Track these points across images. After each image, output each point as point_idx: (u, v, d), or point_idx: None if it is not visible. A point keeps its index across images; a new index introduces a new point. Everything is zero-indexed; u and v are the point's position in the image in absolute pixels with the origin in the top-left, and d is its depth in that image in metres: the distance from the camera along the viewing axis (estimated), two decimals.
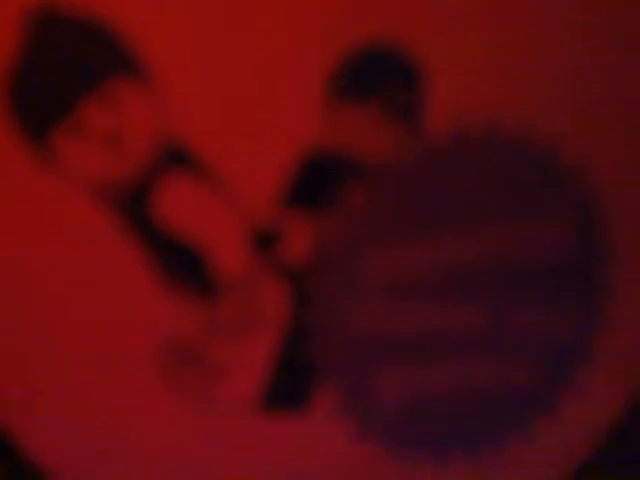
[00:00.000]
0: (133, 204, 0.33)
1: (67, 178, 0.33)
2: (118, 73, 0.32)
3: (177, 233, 0.34)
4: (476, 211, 0.34)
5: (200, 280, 0.34)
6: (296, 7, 0.31)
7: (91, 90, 0.32)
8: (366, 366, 0.35)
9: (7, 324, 0.34)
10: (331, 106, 0.33)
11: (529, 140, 0.34)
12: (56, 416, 0.35)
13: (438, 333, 0.35)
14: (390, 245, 0.34)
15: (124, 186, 0.33)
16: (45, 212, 0.33)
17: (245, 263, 0.34)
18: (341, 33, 0.32)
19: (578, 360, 0.36)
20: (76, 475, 0.36)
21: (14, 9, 0.31)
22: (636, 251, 0.35)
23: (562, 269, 0.35)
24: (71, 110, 0.32)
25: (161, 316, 0.34)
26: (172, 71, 0.32)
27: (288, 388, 0.35)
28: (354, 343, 0.35)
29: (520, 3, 0.32)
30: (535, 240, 0.35)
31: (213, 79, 0.32)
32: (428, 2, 0.32)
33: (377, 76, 0.33)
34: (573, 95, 0.33)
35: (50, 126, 0.32)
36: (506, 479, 0.37)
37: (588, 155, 0.34)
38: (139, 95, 0.32)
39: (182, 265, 0.34)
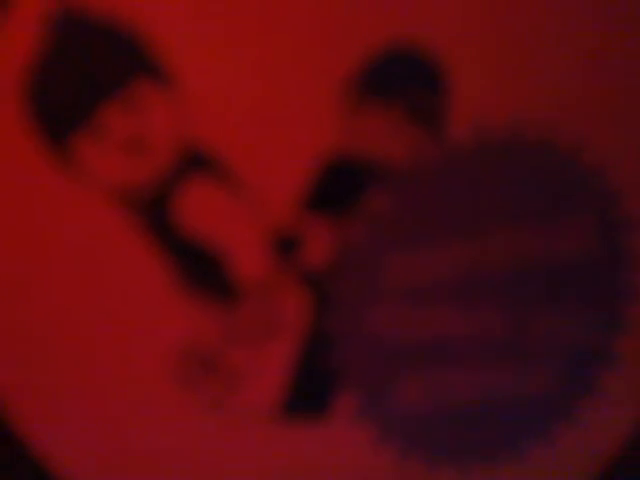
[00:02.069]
0: (153, 208, 0.33)
1: (88, 182, 0.33)
2: (140, 77, 0.32)
3: (197, 238, 0.33)
4: (497, 215, 0.34)
5: (220, 285, 0.34)
6: (317, 9, 0.31)
7: (113, 94, 0.32)
8: (386, 372, 0.35)
9: (24, 324, 0.34)
10: (353, 109, 0.32)
11: (551, 143, 0.33)
12: (69, 420, 0.34)
13: (458, 338, 0.35)
14: (411, 250, 0.34)
15: (145, 190, 0.33)
16: (65, 217, 0.33)
17: (265, 268, 0.34)
18: (362, 35, 0.32)
19: (599, 365, 0.35)
20: (87, 472, 0.35)
21: (36, 11, 0.31)
22: None
23: (583, 273, 0.35)
24: (92, 114, 0.32)
25: (180, 321, 0.34)
26: (194, 75, 0.32)
27: (308, 394, 0.35)
28: (375, 349, 0.34)
29: (544, 4, 0.32)
30: (556, 243, 0.34)
31: (235, 83, 0.32)
32: (449, 3, 0.31)
33: (399, 79, 0.32)
34: (596, 98, 0.33)
35: (71, 130, 0.32)
36: None
37: (611, 158, 0.33)
38: (161, 99, 0.32)
39: (202, 270, 0.33)
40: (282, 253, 0.34)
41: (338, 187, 0.33)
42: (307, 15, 0.31)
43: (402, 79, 0.32)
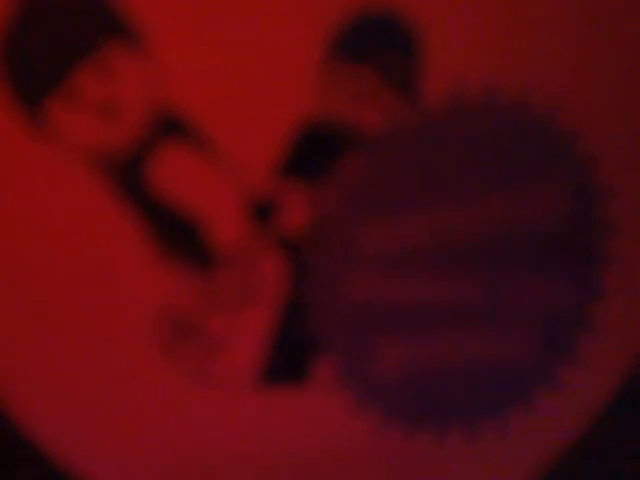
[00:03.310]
0: (129, 174, 0.33)
1: (62, 147, 0.32)
2: (113, 41, 0.31)
3: (173, 204, 0.33)
4: (472, 180, 0.34)
5: (197, 252, 0.33)
6: None
7: (85, 58, 0.31)
8: (364, 338, 0.35)
9: (7, 286, 0.33)
10: (327, 75, 0.32)
11: (526, 106, 0.33)
12: (50, 385, 0.34)
13: (436, 305, 0.34)
14: (387, 216, 0.34)
15: (119, 155, 0.32)
16: (40, 181, 0.32)
17: (242, 235, 0.33)
18: (337, 1, 0.31)
19: (576, 330, 0.35)
20: (71, 446, 0.35)
21: None
22: (634, 220, 0.34)
23: (559, 239, 0.34)
24: (66, 78, 0.31)
25: (157, 288, 0.33)
26: (168, 39, 0.32)
27: (287, 361, 0.35)
28: (352, 315, 0.34)
29: None
30: (532, 209, 0.34)
31: (209, 48, 0.32)
32: None
33: (373, 43, 0.32)
34: (571, 61, 0.33)
35: (44, 95, 0.32)
36: (505, 451, 0.36)
37: (586, 123, 0.33)
38: (134, 63, 0.32)
39: (178, 236, 0.33)
40: (258, 220, 0.34)
41: (314, 153, 0.33)
42: None
43: (376, 43, 0.32)
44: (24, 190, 0.32)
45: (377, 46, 0.32)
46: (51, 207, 0.32)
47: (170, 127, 0.32)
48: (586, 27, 0.33)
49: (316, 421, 0.35)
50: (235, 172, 0.33)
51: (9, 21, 0.31)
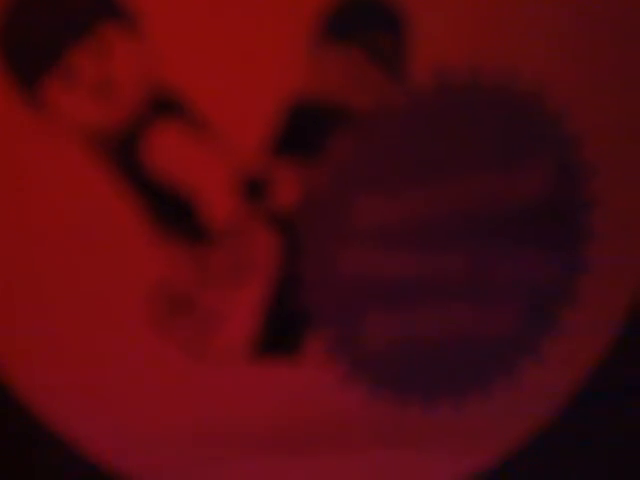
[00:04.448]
0: (124, 151, 0.33)
1: (59, 126, 0.33)
2: (107, 21, 0.32)
3: (168, 181, 0.33)
4: (459, 158, 0.34)
5: (191, 228, 0.34)
6: None
7: (80, 38, 0.32)
8: (355, 312, 0.35)
9: (9, 264, 0.34)
10: (316, 54, 0.33)
11: (511, 86, 0.33)
12: (48, 355, 0.35)
13: (424, 279, 0.35)
14: (377, 192, 0.34)
15: (114, 133, 0.33)
16: (38, 159, 0.33)
17: (235, 211, 0.34)
18: None
19: (559, 303, 0.36)
20: (68, 416, 0.35)
21: None
22: (616, 195, 0.35)
23: (543, 215, 0.35)
24: (62, 59, 0.32)
25: (153, 263, 0.34)
26: (161, 21, 0.32)
27: (279, 334, 0.35)
28: (343, 289, 0.35)
29: None
30: (517, 186, 0.35)
31: (201, 29, 0.32)
32: None
33: (361, 23, 0.33)
34: (556, 41, 0.33)
35: (41, 74, 0.32)
36: (491, 421, 0.36)
37: (570, 104, 0.34)
38: (129, 44, 0.32)
39: (173, 212, 0.34)
40: (251, 196, 0.34)
41: (304, 131, 0.33)
42: None
43: (364, 24, 0.33)
44: (22, 168, 0.33)
45: (365, 27, 0.32)
46: (48, 185, 0.33)
47: (164, 106, 0.33)
48: (571, 10, 0.33)
49: (308, 391, 0.35)
50: (228, 150, 0.33)
51: (6, 3, 0.31)
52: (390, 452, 0.36)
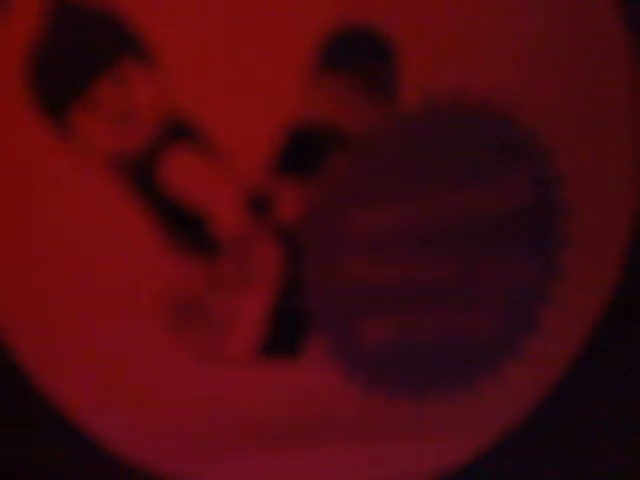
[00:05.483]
0: (141, 172, 0.34)
1: (82, 149, 0.34)
2: (127, 57, 0.33)
3: (181, 197, 0.35)
4: (445, 173, 0.35)
5: (202, 240, 0.35)
6: None
7: (103, 70, 0.33)
8: (353, 315, 0.36)
9: (34, 273, 0.35)
10: (314, 82, 0.34)
11: (491, 107, 0.35)
12: (69, 358, 0.36)
13: (415, 285, 0.36)
14: (371, 205, 0.35)
15: (133, 156, 0.34)
16: (64, 179, 0.34)
17: (242, 225, 0.35)
18: (323, 14, 0.33)
19: (537, 305, 0.37)
20: (88, 411, 0.37)
21: (35, 1, 0.32)
22: (587, 204, 0.36)
23: (522, 224, 0.36)
24: (86, 90, 0.33)
25: (167, 273, 0.35)
26: (175, 55, 0.33)
27: (283, 337, 0.36)
28: (342, 295, 0.36)
29: None
30: (497, 198, 0.36)
31: (210, 60, 0.34)
32: None
33: (354, 53, 0.34)
34: (530, 66, 0.34)
35: (68, 104, 0.34)
36: (477, 414, 0.38)
37: (545, 120, 0.35)
38: (146, 75, 0.34)
39: (185, 226, 0.35)
40: (256, 211, 0.35)
41: (304, 152, 0.35)
42: None
43: (357, 54, 0.34)
44: (51, 187, 0.34)
45: (358, 56, 0.34)
46: (73, 202, 0.34)
47: (177, 131, 0.34)
48: (543, 35, 0.35)
49: (309, 390, 0.36)
50: (234, 169, 0.35)
51: (37, 37, 0.33)
52: (384, 445, 0.37)
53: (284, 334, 0.36)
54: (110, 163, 0.34)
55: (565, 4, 0.34)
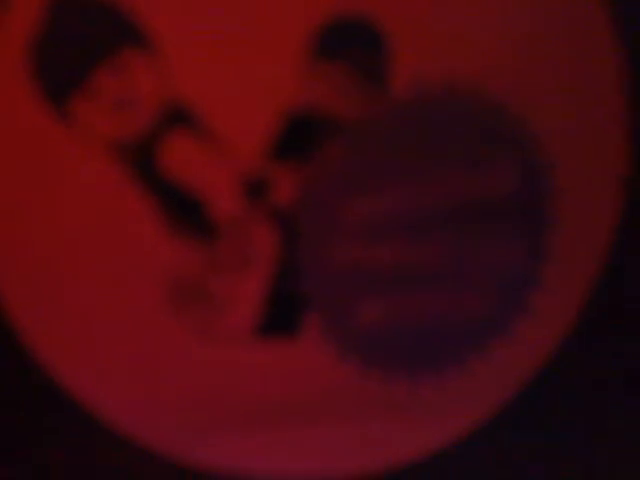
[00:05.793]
0: (141, 157, 0.35)
1: (84, 136, 0.35)
2: (127, 43, 0.34)
3: (180, 182, 0.35)
4: (436, 159, 0.36)
5: (200, 224, 0.36)
6: None
7: (104, 59, 0.34)
8: (347, 296, 0.37)
9: (39, 254, 0.36)
10: (309, 71, 0.35)
11: (481, 95, 0.35)
12: (77, 340, 0.37)
13: (408, 267, 0.36)
14: (364, 190, 0.36)
15: (133, 141, 0.35)
16: (67, 166, 0.35)
17: (239, 208, 0.36)
18: (318, 4, 0.34)
19: (527, 286, 0.37)
20: (92, 388, 0.37)
21: None
22: (575, 189, 0.37)
23: (511, 208, 0.37)
24: (87, 78, 0.34)
25: (167, 255, 0.36)
26: (174, 43, 0.34)
27: (279, 317, 0.37)
28: (337, 276, 0.36)
29: None
30: (488, 183, 0.36)
31: (208, 48, 0.34)
32: None
33: (348, 42, 0.35)
34: (520, 56, 0.35)
35: (70, 92, 0.34)
36: (468, 392, 0.38)
37: (533, 109, 0.36)
38: (145, 63, 0.34)
39: (184, 209, 0.36)
40: (253, 195, 0.36)
41: (299, 138, 0.35)
42: None
43: (351, 43, 0.35)
44: (54, 172, 0.35)
45: (351, 45, 0.35)
46: (76, 186, 0.35)
47: (176, 117, 0.35)
48: (533, 24, 0.35)
49: (305, 368, 0.37)
50: (231, 154, 0.35)
51: (39, 28, 0.34)
52: (379, 422, 0.38)
53: (280, 315, 0.37)
54: (111, 149, 0.35)
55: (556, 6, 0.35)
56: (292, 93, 0.35)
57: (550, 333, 0.38)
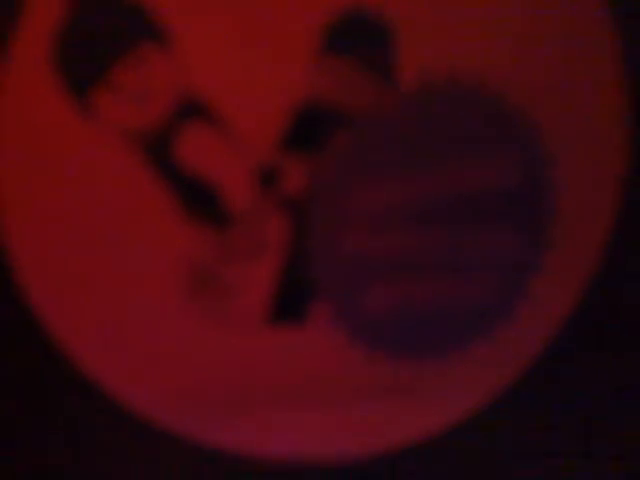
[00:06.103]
0: (159, 147, 0.36)
1: (104, 127, 0.36)
2: (145, 39, 0.35)
3: (195, 171, 0.36)
4: (441, 150, 0.37)
5: (214, 212, 0.37)
6: None
7: (124, 54, 0.35)
8: (355, 284, 0.38)
9: (60, 245, 0.37)
10: (319, 65, 0.36)
11: (482, 86, 0.36)
12: (87, 321, 0.37)
13: (414, 255, 0.37)
14: (372, 180, 0.37)
15: (151, 133, 0.36)
16: (87, 155, 0.36)
17: (251, 198, 0.37)
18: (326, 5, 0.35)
19: (528, 273, 0.38)
20: (112, 372, 0.38)
21: None
22: (575, 179, 0.38)
23: (512, 198, 0.37)
24: (107, 72, 0.35)
25: (182, 242, 0.37)
26: (190, 38, 0.35)
27: (290, 304, 0.38)
28: (344, 264, 0.37)
29: None
30: (489, 172, 0.37)
31: (223, 44, 0.35)
32: None
33: (354, 37, 0.36)
34: (519, 48, 0.36)
35: (91, 84, 0.35)
36: (472, 374, 0.39)
37: (533, 100, 0.36)
38: (163, 58, 0.35)
39: (198, 199, 0.37)
40: (265, 185, 0.37)
41: (310, 130, 0.36)
42: None
43: (360, 38, 0.36)
44: (77, 162, 0.36)
45: (360, 40, 0.36)
46: (97, 175, 0.36)
47: (192, 110, 0.36)
48: (533, 18, 0.36)
49: (315, 353, 0.38)
50: (245, 146, 0.36)
51: (62, 23, 0.35)
52: (386, 403, 0.38)
53: (291, 301, 0.38)
54: (130, 139, 0.36)
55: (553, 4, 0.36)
56: (302, 87, 0.36)
57: (551, 317, 0.39)
